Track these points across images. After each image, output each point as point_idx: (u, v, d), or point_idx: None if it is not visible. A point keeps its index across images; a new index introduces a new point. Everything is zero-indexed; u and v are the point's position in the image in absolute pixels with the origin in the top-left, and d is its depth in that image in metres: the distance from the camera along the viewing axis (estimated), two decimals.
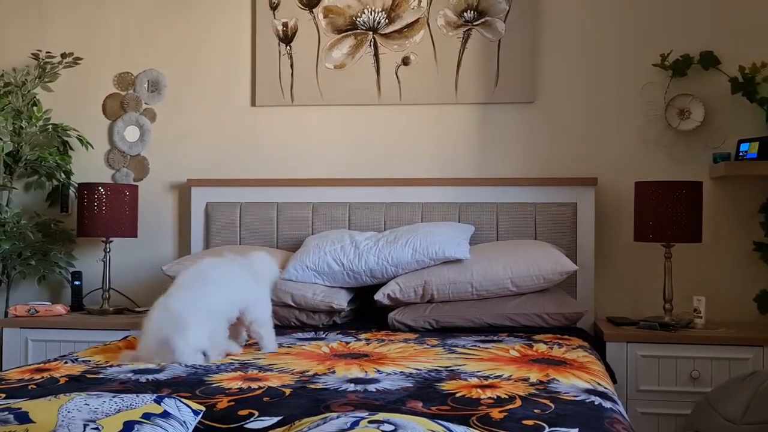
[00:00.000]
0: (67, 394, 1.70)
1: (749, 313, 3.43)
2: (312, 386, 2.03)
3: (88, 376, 2.18)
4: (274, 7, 3.79)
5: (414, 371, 2.25)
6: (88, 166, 3.92)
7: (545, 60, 3.64)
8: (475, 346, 2.70)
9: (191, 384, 2.06)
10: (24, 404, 1.63)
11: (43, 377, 2.15)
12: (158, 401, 1.65)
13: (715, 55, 3.45)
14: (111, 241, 3.68)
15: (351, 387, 2.03)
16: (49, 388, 2.01)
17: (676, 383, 3.07)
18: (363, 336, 2.92)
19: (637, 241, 3.30)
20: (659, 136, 3.54)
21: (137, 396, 1.68)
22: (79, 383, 2.08)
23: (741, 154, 3.29)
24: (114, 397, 1.66)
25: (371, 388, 2.02)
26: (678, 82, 3.48)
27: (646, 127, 3.55)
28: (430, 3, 3.67)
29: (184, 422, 1.61)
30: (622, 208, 3.53)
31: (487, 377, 2.16)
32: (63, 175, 3.87)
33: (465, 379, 2.13)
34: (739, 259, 3.48)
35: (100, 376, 2.18)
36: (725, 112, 3.48)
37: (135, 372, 2.24)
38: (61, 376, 2.16)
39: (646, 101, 3.54)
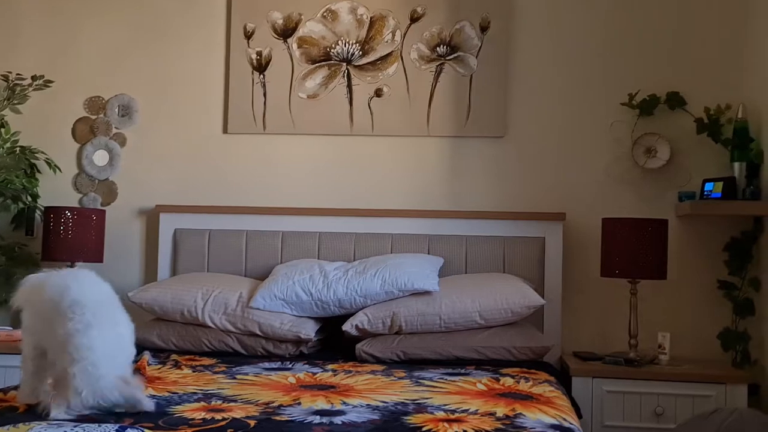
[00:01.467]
0: (27, 423, 1.67)
1: (713, 350, 3.47)
2: (277, 418, 2.02)
3: None
4: (248, 36, 3.80)
5: (381, 404, 2.24)
6: (56, 190, 3.87)
7: (516, 96, 3.69)
8: (443, 378, 2.70)
9: (154, 414, 2.03)
10: None
11: (2, 407, 2.11)
12: (121, 431, 1.62)
13: (681, 95, 3.53)
14: (76, 266, 3.62)
15: (317, 419, 2.01)
16: (7, 417, 1.96)
17: (641, 419, 3.09)
18: (330, 367, 2.90)
19: (604, 277, 3.33)
20: (626, 173, 3.59)
21: (99, 426, 1.65)
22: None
23: (706, 193, 3.35)
24: (75, 426, 1.63)
25: (337, 420, 2.01)
26: (645, 121, 3.55)
27: (614, 165, 3.61)
28: (404, 37, 3.71)
29: None
30: (589, 243, 3.57)
31: (453, 411, 2.16)
32: (29, 198, 3.82)
33: (432, 413, 2.13)
34: (703, 297, 3.52)
35: None
36: (690, 152, 3.54)
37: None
38: (21, 404, 2.12)
39: (613, 139, 3.60)
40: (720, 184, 3.29)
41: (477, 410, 2.18)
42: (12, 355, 3.34)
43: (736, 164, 3.34)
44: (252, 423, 1.95)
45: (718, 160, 3.48)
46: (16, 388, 2.39)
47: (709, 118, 3.45)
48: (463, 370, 2.89)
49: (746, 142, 3.34)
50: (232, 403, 2.20)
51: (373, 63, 3.73)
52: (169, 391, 2.37)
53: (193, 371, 2.76)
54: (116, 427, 1.65)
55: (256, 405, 2.18)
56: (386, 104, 3.72)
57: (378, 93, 3.73)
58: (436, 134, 3.70)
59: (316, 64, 3.76)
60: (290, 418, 2.01)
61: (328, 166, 3.77)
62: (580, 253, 3.59)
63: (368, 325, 3.13)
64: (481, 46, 3.67)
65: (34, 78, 3.84)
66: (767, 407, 3.17)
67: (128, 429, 1.65)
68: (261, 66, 3.80)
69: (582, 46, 3.66)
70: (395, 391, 2.45)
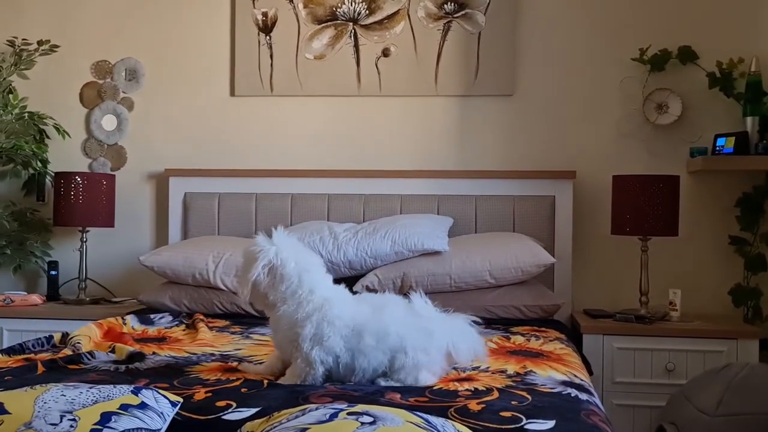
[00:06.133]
0: (44, 384, 1.69)
1: (724, 306, 3.47)
2: None
3: (70, 366, 2.17)
4: None
5: None
6: (65, 155, 3.88)
7: (525, 53, 3.65)
8: None
9: (169, 375, 2.05)
10: None
11: (20, 364, 2.14)
12: (136, 392, 1.64)
13: (693, 50, 3.48)
14: (88, 231, 3.64)
15: None
16: (26, 378, 1.99)
17: (652, 375, 3.10)
18: None
19: (615, 235, 3.32)
20: (637, 130, 3.56)
21: (114, 387, 1.67)
22: (56, 373, 2.07)
23: (717, 148, 3.32)
24: (91, 388, 1.65)
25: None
26: (656, 76, 3.51)
27: (625, 121, 3.58)
28: None
29: (162, 413, 1.61)
30: (599, 201, 3.56)
31: (464, 369, 2.17)
32: (39, 164, 3.83)
33: None
34: (714, 253, 3.51)
35: (79, 366, 2.17)
36: (702, 107, 3.50)
37: (114, 362, 2.23)
38: (40, 363, 2.14)
39: (624, 95, 3.56)
40: (732, 139, 3.26)
41: (488, 368, 2.19)
42: (28, 319, 3.38)
43: (749, 119, 3.32)
44: (266, 383, 1.97)
45: (731, 114, 3.45)
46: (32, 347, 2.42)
47: (721, 72, 3.41)
48: None
49: (759, 96, 3.31)
50: (247, 363, 2.22)
51: (379, 22, 3.69)
52: (187, 352, 2.41)
53: (212, 330, 2.80)
54: (131, 388, 1.67)
55: None
56: (393, 64, 3.69)
57: (385, 53, 3.69)
58: (444, 93, 3.67)
59: (323, 24, 3.73)
60: None
61: (336, 128, 3.76)
62: (591, 210, 3.58)
63: (379, 286, 3.14)
64: (489, 3, 3.62)
65: (40, 43, 3.82)
66: None
67: (143, 389, 1.67)
68: (267, 27, 3.76)
69: (592, 1, 3.60)
70: None
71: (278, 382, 1.99)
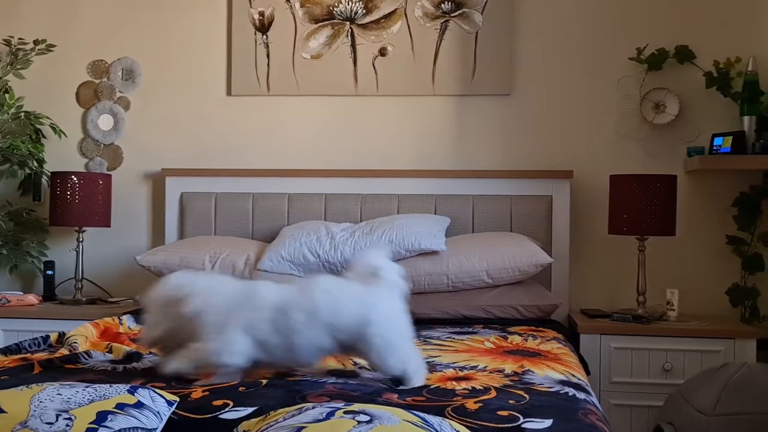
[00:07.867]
0: (40, 383, 1.68)
1: (721, 306, 3.47)
2: (288, 378, 2.02)
3: (66, 366, 2.16)
4: None
5: None
6: (61, 155, 3.87)
7: (522, 52, 3.65)
8: (450, 337, 2.71)
9: (170, 375, 2.04)
10: None
11: (15, 364, 2.13)
12: (132, 392, 1.63)
13: (690, 49, 3.48)
14: (84, 231, 3.64)
15: (330, 379, 2.02)
16: (22, 378, 1.98)
17: (649, 375, 3.10)
18: None
19: (612, 234, 3.32)
20: (634, 129, 3.56)
21: (111, 386, 1.66)
22: (53, 373, 2.06)
23: (715, 148, 3.32)
24: (87, 387, 1.64)
25: (349, 380, 2.01)
26: (653, 75, 3.51)
27: (622, 121, 3.58)
28: None
29: (158, 413, 1.60)
30: (597, 201, 3.56)
31: (462, 368, 2.17)
32: (35, 164, 3.82)
33: (440, 371, 2.14)
34: (712, 253, 3.51)
35: (76, 366, 2.16)
36: (700, 107, 3.51)
37: (111, 362, 2.22)
38: (37, 362, 2.14)
39: (621, 95, 3.56)
40: (729, 139, 3.26)
41: (485, 367, 2.19)
42: (24, 319, 3.37)
43: (746, 118, 3.32)
44: (263, 382, 1.96)
45: (728, 114, 3.45)
46: (28, 347, 2.41)
47: (718, 72, 3.41)
48: (470, 329, 2.90)
49: (757, 95, 3.31)
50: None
51: (377, 21, 3.69)
52: None
53: None
54: (128, 387, 1.66)
55: None
56: (391, 63, 3.68)
57: (382, 52, 3.69)
58: (441, 93, 3.67)
59: (319, 24, 3.72)
60: (302, 378, 2.02)
61: (333, 127, 3.75)
62: (588, 210, 3.58)
63: None
64: (486, 2, 3.62)
65: (36, 42, 3.81)
66: None
67: (139, 388, 1.66)
68: (264, 26, 3.76)
69: (589, 0, 3.60)
70: None
71: (173, 364, 1.97)
